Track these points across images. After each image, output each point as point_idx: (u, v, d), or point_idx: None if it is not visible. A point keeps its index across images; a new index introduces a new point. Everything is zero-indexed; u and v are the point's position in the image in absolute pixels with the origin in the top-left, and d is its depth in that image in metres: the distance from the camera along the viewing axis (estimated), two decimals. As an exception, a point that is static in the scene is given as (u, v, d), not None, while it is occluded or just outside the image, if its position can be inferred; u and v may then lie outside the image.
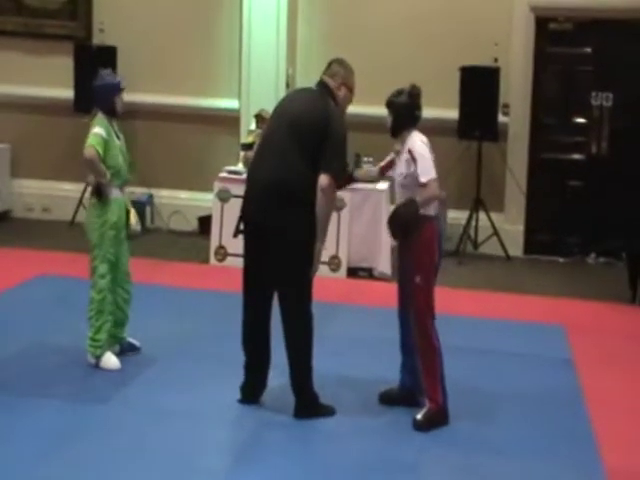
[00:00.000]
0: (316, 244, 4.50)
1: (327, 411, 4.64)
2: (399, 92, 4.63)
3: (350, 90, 4.70)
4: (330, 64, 4.75)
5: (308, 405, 4.61)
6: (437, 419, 4.52)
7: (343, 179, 4.65)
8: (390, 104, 4.62)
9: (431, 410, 4.52)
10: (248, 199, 4.64)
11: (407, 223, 4.48)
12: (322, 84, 4.67)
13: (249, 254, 4.67)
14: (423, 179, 4.42)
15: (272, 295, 4.65)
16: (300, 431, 4.50)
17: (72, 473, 3.98)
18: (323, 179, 4.40)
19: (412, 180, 4.48)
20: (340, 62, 4.75)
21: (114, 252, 5.13)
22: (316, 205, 4.42)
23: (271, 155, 4.55)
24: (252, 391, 4.74)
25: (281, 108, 4.68)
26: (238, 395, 4.75)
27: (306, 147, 4.45)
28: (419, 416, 4.50)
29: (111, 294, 5.16)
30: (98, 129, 5.03)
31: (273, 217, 4.47)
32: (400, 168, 4.58)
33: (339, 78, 4.65)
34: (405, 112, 4.59)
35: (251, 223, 4.66)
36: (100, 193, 5.06)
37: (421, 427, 4.48)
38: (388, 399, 4.78)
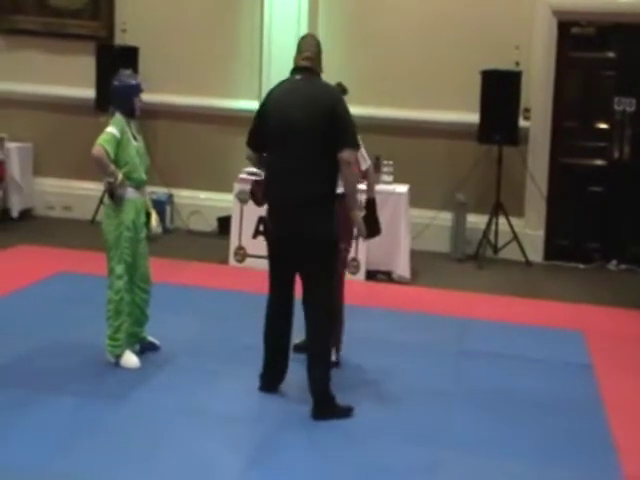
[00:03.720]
0: (353, 213, 4.68)
1: (344, 412, 4.65)
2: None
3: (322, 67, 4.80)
4: (310, 44, 4.70)
5: (325, 406, 4.63)
6: None
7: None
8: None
9: None
10: (276, 211, 4.65)
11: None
12: (308, 69, 4.64)
13: (280, 260, 4.68)
14: (364, 166, 5.26)
15: (294, 292, 4.74)
16: (317, 431, 4.50)
17: (88, 469, 4.00)
18: (345, 154, 4.49)
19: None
20: (314, 38, 4.81)
21: (130, 253, 5.14)
22: (344, 180, 4.55)
23: (292, 166, 4.53)
24: (270, 381, 4.85)
25: (281, 115, 4.57)
26: (256, 393, 4.82)
27: (324, 139, 4.49)
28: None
29: (129, 294, 5.17)
30: (111, 128, 5.05)
31: (306, 226, 4.52)
32: None
33: (319, 57, 4.69)
34: None
35: (285, 236, 4.62)
36: (112, 194, 5.07)
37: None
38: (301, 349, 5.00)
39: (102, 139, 5.02)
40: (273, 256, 4.74)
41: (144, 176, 5.25)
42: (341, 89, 5.10)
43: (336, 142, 4.48)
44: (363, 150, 5.13)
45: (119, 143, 5.04)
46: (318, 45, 4.73)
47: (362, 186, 5.06)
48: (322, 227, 4.52)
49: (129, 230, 5.11)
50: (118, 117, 5.11)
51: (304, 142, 4.50)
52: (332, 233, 4.56)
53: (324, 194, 4.52)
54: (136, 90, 5.17)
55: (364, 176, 5.25)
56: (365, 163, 5.25)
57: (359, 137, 4.66)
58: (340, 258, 4.87)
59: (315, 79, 4.67)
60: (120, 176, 5.03)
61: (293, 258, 4.63)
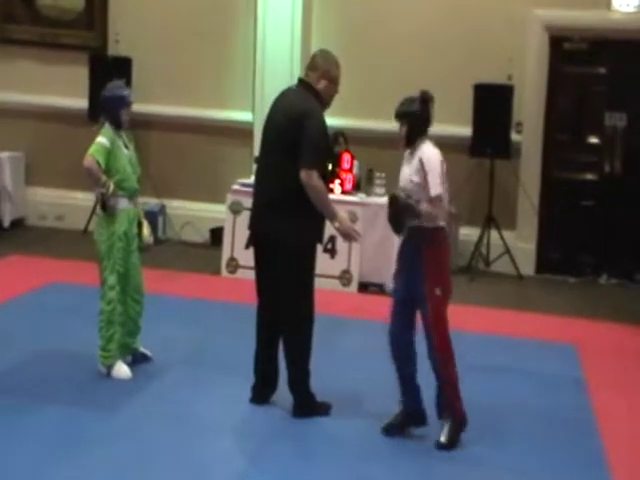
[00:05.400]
0: (333, 225, 4.68)
1: (323, 410, 4.77)
2: (411, 100, 4.50)
3: (332, 81, 4.73)
4: (313, 57, 4.83)
5: (305, 404, 4.74)
6: (458, 431, 4.49)
7: (322, 167, 4.66)
8: (404, 114, 4.46)
9: (451, 427, 4.48)
10: (251, 213, 4.90)
11: (400, 214, 4.43)
12: (301, 81, 4.80)
13: (256, 263, 4.87)
14: (432, 192, 4.37)
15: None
16: (310, 443, 4.52)
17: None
18: (301, 174, 4.52)
19: (418, 189, 4.42)
20: (322, 54, 4.83)
21: (123, 263, 5.13)
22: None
23: (264, 169, 4.76)
24: (261, 392, 4.88)
25: (267, 118, 4.82)
26: (247, 404, 4.84)
27: (290, 152, 4.55)
28: (443, 439, 4.46)
29: (121, 305, 5.17)
30: (101, 138, 5.06)
31: (268, 228, 4.68)
32: (410, 174, 4.47)
33: (319, 71, 4.73)
34: (420, 120, 4.47)
35: (253, 233, 4.90)
36: (104, 204, 5.07)
37: (447, 447, 4.45)
38: (393, 427, 4.62)
39: (92, 149, 5.03)
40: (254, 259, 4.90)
41: (136, 185, 5.25)
42: (426, 97, 4.49)
43: (299, 156, 4.53)
44: (436, 174, 4.38)
45: (110, 152, 5.05)
46: (323, 61, 4.74)
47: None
48: (283, 229, 4.59)
49: (121, 240, 5.11)
50: (107, 127, 5.12)
51: (273, 147, 4.67)
52: (293, 237, 4.60)
53: (289, 198, 4.59)
54: (122, 102, 5.15)
55: (431, 202, 4.39)
56: (434, 189, 4.38)
57: (438, 162, 4.39)
58: (436, 302, 4.43)
59: (302, 91, 4.74)
60: (112, 186, 5.03)
61: (261, 259, 4.78)
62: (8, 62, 9.22)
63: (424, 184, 4.39)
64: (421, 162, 4.42)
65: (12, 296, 6.63)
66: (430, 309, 4.44)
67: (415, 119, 4.46)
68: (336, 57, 4.83)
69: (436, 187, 4.37)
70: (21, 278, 7.16)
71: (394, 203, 4.47)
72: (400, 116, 4.49)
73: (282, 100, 4.79)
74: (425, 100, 4.49)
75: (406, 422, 4.63)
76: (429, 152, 4.46)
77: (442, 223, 4.47)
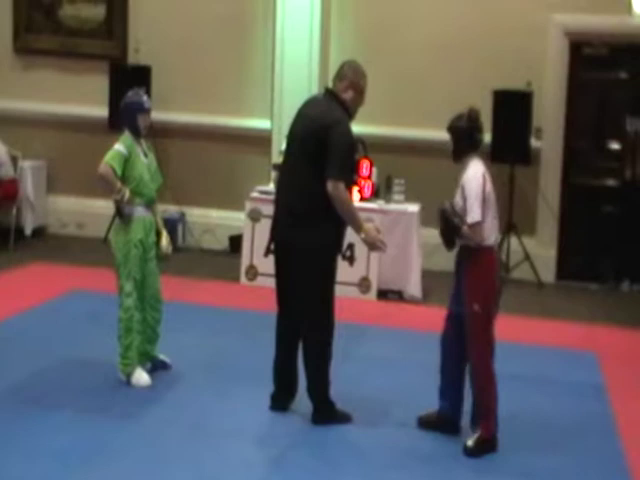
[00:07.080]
0: (360, 236, 4.67)
1: (343, 418, 4.75)
2: (460, 116, 4.57)
3: (359, 92, 4.73)
4: (341, 67, 4.82)
5: (324, 411, 4.73)
6: (487, 446, 4.48)
7: (348, 178, 4.67)
8: (449, 129, 4.57)
9: (482, 437, 4.46)
10: (273, 220, 4.87)
11: (446, 231, 4.50)
12: (327, 91, 4.80)
13: (276, 271, 4.86)
14: (469, 219, 4.43)
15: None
16: (329, 450, 4.50)
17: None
18: (327, 186, 4.51)
19: (461, 212, 4.48)
20: (350, 65, 4.84)
21: (139, 270, 5.14)
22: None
23: (286, 177, 4.76)
24: (281, 400, 4.87)
25: (292, 127, 4.80)
26: (267, 411, 4.84)
27: (314, 161, 4.55)
28: (470, 442, 4.46)
29: (139, 312, 5.18)
30: (118, 145, 5.09)
31: (289, 236, 4.67)
32: (458, 193, 4.54)
33: (346, 81, 4.72)
34: (465, 136, 4.54)
35: (274, 242, 4.90)
36: (120, 212, 5.09)
37: (472, 453, 4.44)
38: (427, 423, 4.72)
39: (108, 156, 5.06)
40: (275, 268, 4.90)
41: (154, 193, 5.26)
42: (472, 114, 4.54)
43: (323, 167, 4.52)
44: (475, 200, 4.42)
45: (127, 160, 5.07)
46: (351, 71, 4.74)
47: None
48: (304, 238, 4.59)
49: (137, 248, 5.12)
50: (126, 134, 5.15)
51: (297, 156, 4.66)
52: (314, 245, 4.59)
53: (310, 208, 4.59)
54: (139, 108, 5.17)
55: (470, 227, 4.43)
56: (471, 216, 4.41)
57: (479, 186, 4.40)
58: (474, 318, 4.46)
59: (329, 100, 4.72)
60: (127, 193, 5.05)
61: (282, 267, 4.77)
62: (29, 72, 9.30)
63: (465, 208, 4.45)
64: (462, 187, 4.49)
65: (33, 304, 6.67)
66: (468, 325, 4.49)
67: (460, 134, 4.54)
68: (363, 68, 4.82)
69: (473, 214, 4.41)
70: (42, 286, 7.20)
71: (441, 218, 4.53)
72: (448, 131, 4.59)
73: (307, 109, 4.77)
74: (471, 117, 4.54)
75: (438, 424, 4.68)
76: (471, 176, 4.49)
77: (488, 243, 4.49)
